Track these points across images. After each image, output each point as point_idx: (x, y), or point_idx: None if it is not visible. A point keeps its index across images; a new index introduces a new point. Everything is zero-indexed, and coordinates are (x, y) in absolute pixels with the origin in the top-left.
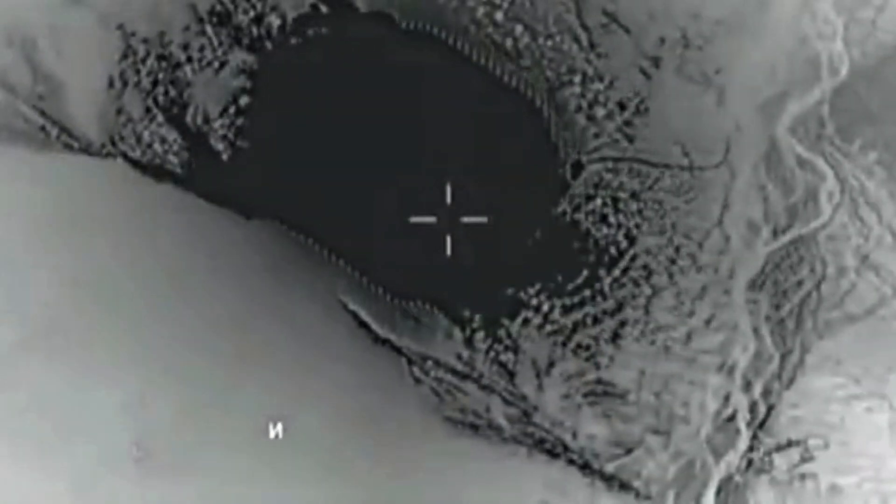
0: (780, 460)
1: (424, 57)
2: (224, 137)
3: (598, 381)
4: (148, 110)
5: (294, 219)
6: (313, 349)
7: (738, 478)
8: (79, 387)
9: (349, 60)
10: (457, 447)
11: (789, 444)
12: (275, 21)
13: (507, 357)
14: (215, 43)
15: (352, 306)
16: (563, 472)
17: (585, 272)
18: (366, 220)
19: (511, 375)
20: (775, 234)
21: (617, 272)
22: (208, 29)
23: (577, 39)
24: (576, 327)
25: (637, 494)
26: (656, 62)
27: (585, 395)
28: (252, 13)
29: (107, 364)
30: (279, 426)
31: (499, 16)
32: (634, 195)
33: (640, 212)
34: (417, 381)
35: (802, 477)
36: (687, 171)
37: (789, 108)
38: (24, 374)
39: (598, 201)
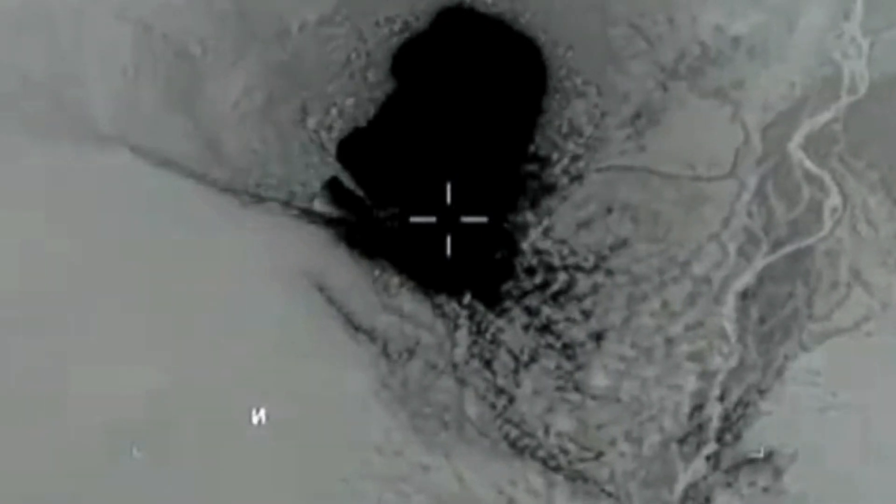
0: (747, 470)
1: (430, 57)
2: (231, 129)
3: (576, 380)
4: (160, 102)
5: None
6: (295, 338)
7: (703, 485)
8: (60, 367)
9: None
10: (428, 440)
11: (755, 459)
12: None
13: (488, 351)
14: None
15: (337, 297)
16: (532, 470)
17: (575, 273)
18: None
19: (490, 368)
20: (774, 246)
21: (604, 275)
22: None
23: (596, 49)
24: (560, 325)
25: (601, 492)
26: (674, 75)
27: (558, 390)
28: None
29: (89, 346)
30: (262, 412)
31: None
32: (633, 203)
33: (635, 218)
34: (392, 372)
35: (767, 489)
36: (693, 181)
37: (804, 125)
38: (4, 350)
39: (593, 207)
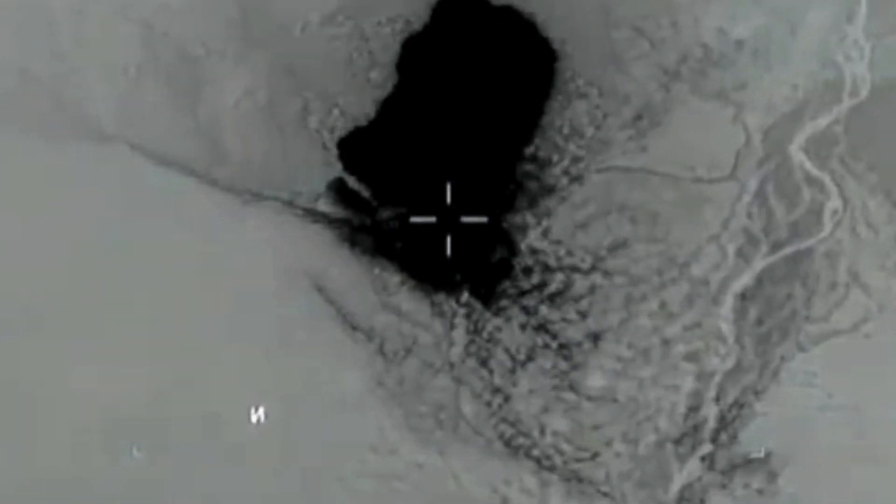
0: (742, 471)
1: (431, 56)
2: (233, 129)
3: (573, 380)
4: (162, 101)
5: (297, 208)
6: (294, 336)
7: (698, 486)
8: (60, 368)
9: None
10: (423, 439)
11: (751, 460)
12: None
13: (484, 350)
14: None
15: (336, 296)
16: (526, 469)
17: (572, 273)
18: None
19: (486, 367)
20: (773, 248)
21: (602, 276)
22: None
23: (599, 51)
24: (557, 325)
25: (596, 492)
26: (676, 76)
27: (554, 389)
28: None
29: (89, 346)
30: (261, 411)
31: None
32: (633, 204)
33: (634, 219)
34: (388, 371)
35: (761, 491)
36: (694, 183)
37: (806, 127)
38: (4, 350)
39: (592, 208)
